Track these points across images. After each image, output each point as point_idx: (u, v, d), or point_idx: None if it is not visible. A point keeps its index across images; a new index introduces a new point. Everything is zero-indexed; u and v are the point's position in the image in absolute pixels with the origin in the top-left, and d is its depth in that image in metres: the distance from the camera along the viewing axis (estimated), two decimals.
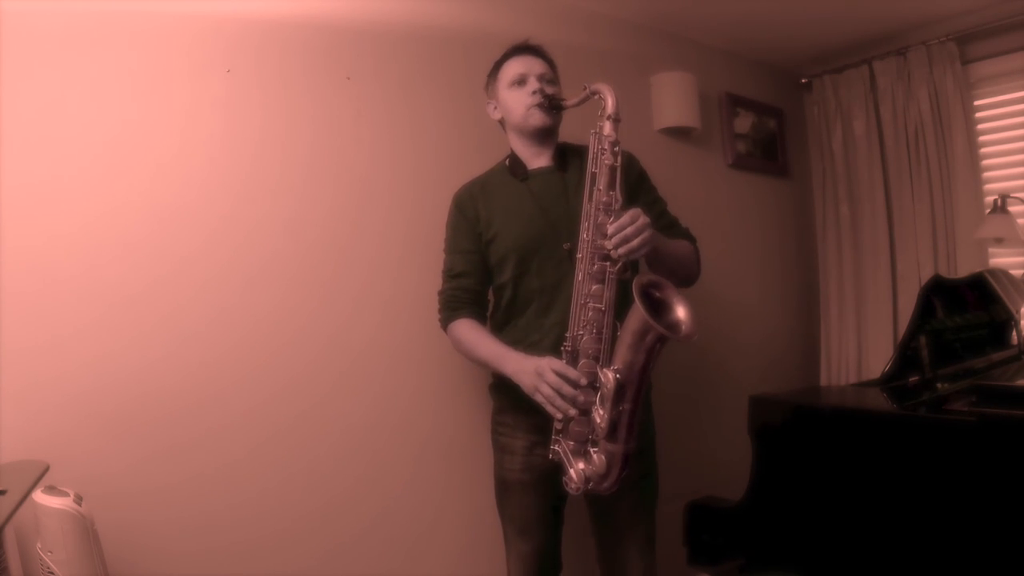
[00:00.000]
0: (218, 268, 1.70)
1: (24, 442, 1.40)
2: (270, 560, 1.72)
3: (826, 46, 3.04)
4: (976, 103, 2.79)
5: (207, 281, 1.68)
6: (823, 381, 3.11)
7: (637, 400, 1.41)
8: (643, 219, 1.45)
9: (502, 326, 1.72)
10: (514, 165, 1.73)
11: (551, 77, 1.71)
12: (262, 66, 1.79)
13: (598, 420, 1.41)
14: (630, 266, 1.50)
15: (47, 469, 1.27)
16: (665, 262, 1.59)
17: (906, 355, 1.92)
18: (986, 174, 2.79)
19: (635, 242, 1.43)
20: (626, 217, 1.44)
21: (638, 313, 1.34)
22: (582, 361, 1.47)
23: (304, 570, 1.77)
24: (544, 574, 1.74)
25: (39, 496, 1.27)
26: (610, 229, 1.44)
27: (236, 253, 1.73)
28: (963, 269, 2.69)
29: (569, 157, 1.72)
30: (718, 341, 2.80)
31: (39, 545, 1.28)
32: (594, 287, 1.47)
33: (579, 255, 1.50)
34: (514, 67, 1.70)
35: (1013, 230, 2.49)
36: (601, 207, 1.48)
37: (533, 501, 1.66)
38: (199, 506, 1.63)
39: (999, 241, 2.57)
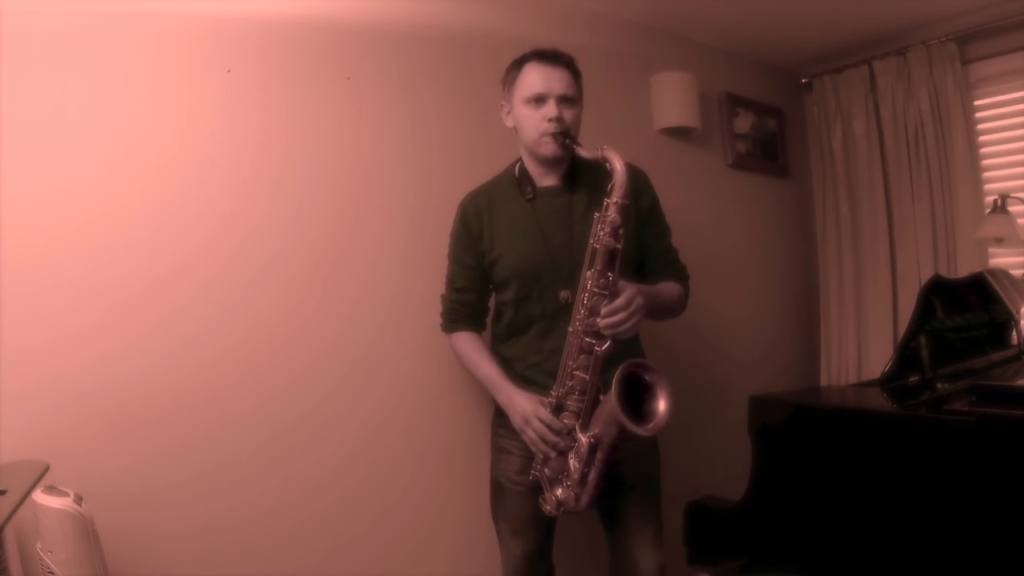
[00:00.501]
0: (218, 268, 1.70)
1: (24, 442, 1.40)
2: (270, 561, 1.72)
3: (826, 46, 3.04)
4: (976, 103, 2.79)
5: (207, 281, 1.68)
6: (823, 381, 3.11)
7: (607, 460, 1.54)
8: (637, 302, 1.48)
9: (503, 340, 1.75)
10: (522, 179, 1.70)
11: (573, 95, 1.62)
12: (262, 66, 1.79)
13: (572, 469, 1.55)
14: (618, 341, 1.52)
15: (47, 469, 1.27)
16: (651, 313, 1.61)
17: (906, 355, 1.92)
18: (986, 174, 2.78)
19: (624, 327, 1.47)
20: (621, 300, 1.47)
21: (611, 403, 1.44)
22: (564, 414, 1.57)
23: (305, 571, 1.77)
24: None
25: (39, 496, 1.27)
26: (603, 311, 1.47)
27: (236, 253, 1.73)
28: (963, 269, 2.69)
29: (579, 177, 1.68)
30: (718, 341, 2.80)
31: (39, 545, 1.28)
32: (581, 357, 1.53)
33: (570, 329, 1.54)
34: (534, 80, 1.60)
35: (1013, 230, 2.49)
36: (597, 288, 1.49)
37: (527, 504, 1.66)
38: (199, 506, 1.63)
39: (999, 241, 2.57)
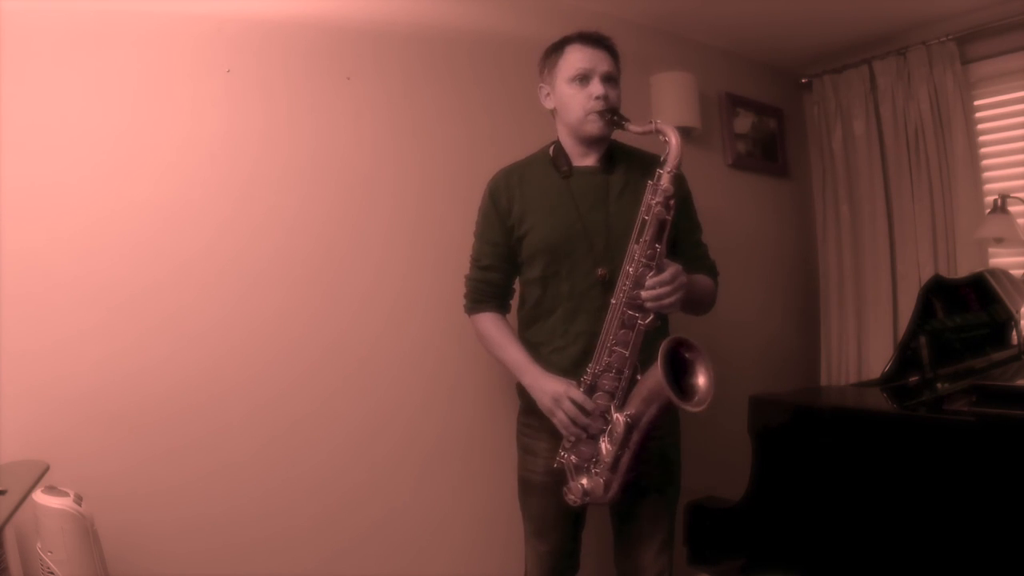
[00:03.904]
0: (220, 268, 1.70)
1: (24, 442, 1.40)
2: (272, 562, 1.72)
3: (826, 46, 3.04)
4: (976, 103, 2.79)
5: (209, 281, 1.68)
6: (823, 381, 3.10)
7: (641, 443, 1.47)
8: (681, 279, 1.47)
9: (529, 324, 1.70)
10: (558, 158, 1.66)
11: (615, 76, 1.62)
12: (263, 66, 1.79)
13: (604, 453, 1.49)
14: (660, 316, 1.50)
15: (47, 469, 1.27)
16: (685, 304, 1.59)
17: (906, 355, 1.92)
18: (986, 174, 2.78)
19: (667, 300, 1.45)
20: (667, 274, 1.45)
21: (657, 375, 1.39)
22: (598, 393, 1.51)
23: (306, 571, 1.77)
24: (559, 574, 1.74)
25: (39, 496, 1.27)
26: (648, 282, 1.45)
27: (238, 253, 1.73)
28: (963, 269, 2.69)
29: (618, 159, 1.66)
30: (718, 341, 2.79)
31: (39, 545, 1.28)
32: (622, 332, 1.49)
33: (613, 300, 1.50)
34: (578, 59, 1.60)
35: (1013, 230, 2.49)
36: (644, 258, 1.46)
37: (552, 503, 1.63)
38: (200, 507, 1.63)
39: (999, 241, 2.57)
